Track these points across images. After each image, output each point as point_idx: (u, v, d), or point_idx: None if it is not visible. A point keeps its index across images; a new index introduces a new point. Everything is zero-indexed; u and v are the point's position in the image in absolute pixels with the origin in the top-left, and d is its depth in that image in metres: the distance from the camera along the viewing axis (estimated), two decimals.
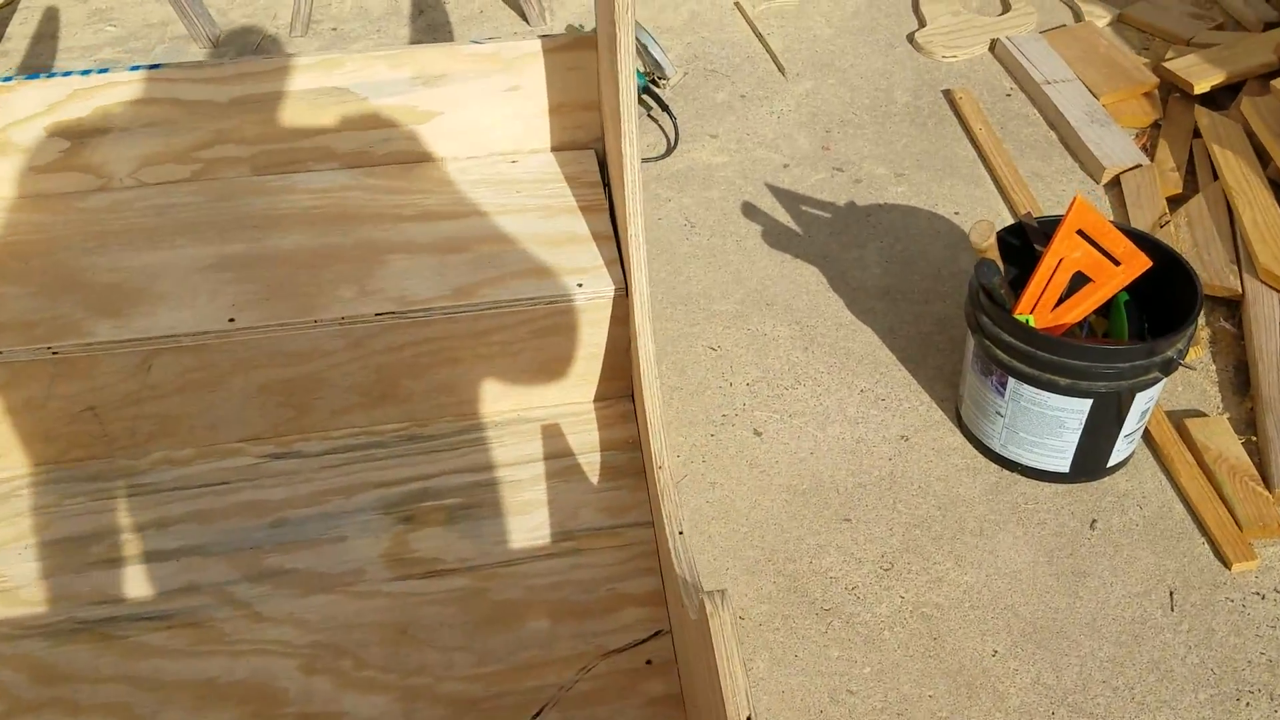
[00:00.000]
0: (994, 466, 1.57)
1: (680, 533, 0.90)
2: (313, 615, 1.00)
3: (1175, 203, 1.94)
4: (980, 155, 2.12)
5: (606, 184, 1.28)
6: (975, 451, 1.57)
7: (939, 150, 2.18)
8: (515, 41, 1.25)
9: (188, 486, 1.12)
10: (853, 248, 1.84)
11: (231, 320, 1.09)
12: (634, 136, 1.00)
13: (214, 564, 1.05)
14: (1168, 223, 1.87)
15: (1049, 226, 1.46)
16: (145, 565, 1.04)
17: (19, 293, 1.12)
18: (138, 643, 0.98)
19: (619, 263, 1.16)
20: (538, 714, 0.92)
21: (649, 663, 0.95)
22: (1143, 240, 1.36)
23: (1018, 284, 1.39)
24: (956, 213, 2.10)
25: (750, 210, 2.00)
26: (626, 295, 1.13)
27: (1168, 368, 1.32)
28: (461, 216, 1.23)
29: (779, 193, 2.03)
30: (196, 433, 1.15)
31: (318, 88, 1.24)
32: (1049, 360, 1.36)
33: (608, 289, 1.13)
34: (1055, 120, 2.17)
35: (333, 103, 1.25)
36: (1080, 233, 1.29)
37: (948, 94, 2.34)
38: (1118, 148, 2.02)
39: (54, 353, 1.06)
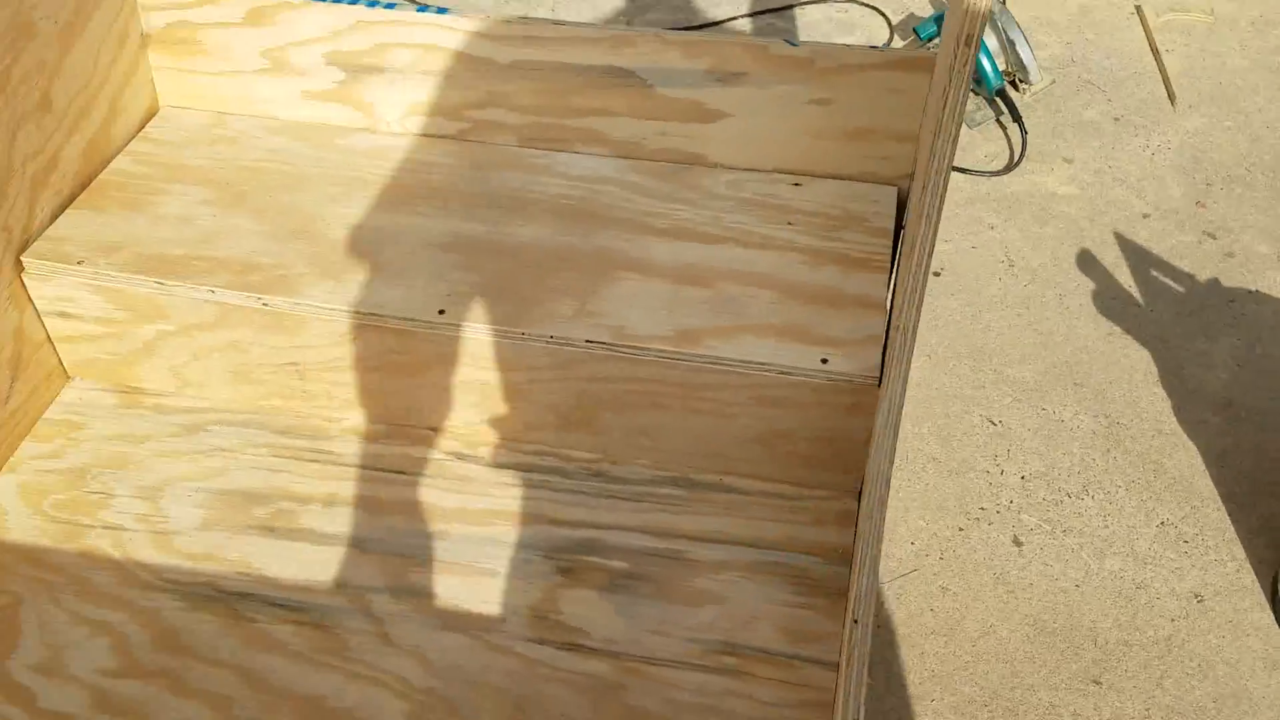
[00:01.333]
0: None
1: None
2: (439, 657, 0.91)
3: None
4: None
5: (898, 235, 1.07)
6: None
7: None
8: (835, 48, 1.05)
9: (369, 467, 1.06)
10: (1200, 337, 1.49)
11: (441, 313, 1.00)
12: (940, 189, 0.79)
13: (365, 563, 0.98)
14: None
15: None
16: (299, 544, 0.99)
17: (252, 229, 1.08)
18: (263, 631, 0.93)
19: (881, 343, 0.95)
20: None
21: None
22: None
23: None
24: None
25: (1087, 261, 1.67)
26: (879, 386, 0.93)
27: None
28: (716, 241, 1.07)
29: (1129, 247, 1.68)
30: (391, 411, 1.09)
31: (602, 65, 1.11)
32: None
33: (857, 374, 0.93)
34: None
35: (614, 83, 1.12)
36: None
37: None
38: None
39: (264, 304, 1.01)
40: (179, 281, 1.02)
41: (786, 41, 1.08)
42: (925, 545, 1.36)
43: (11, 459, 1.06)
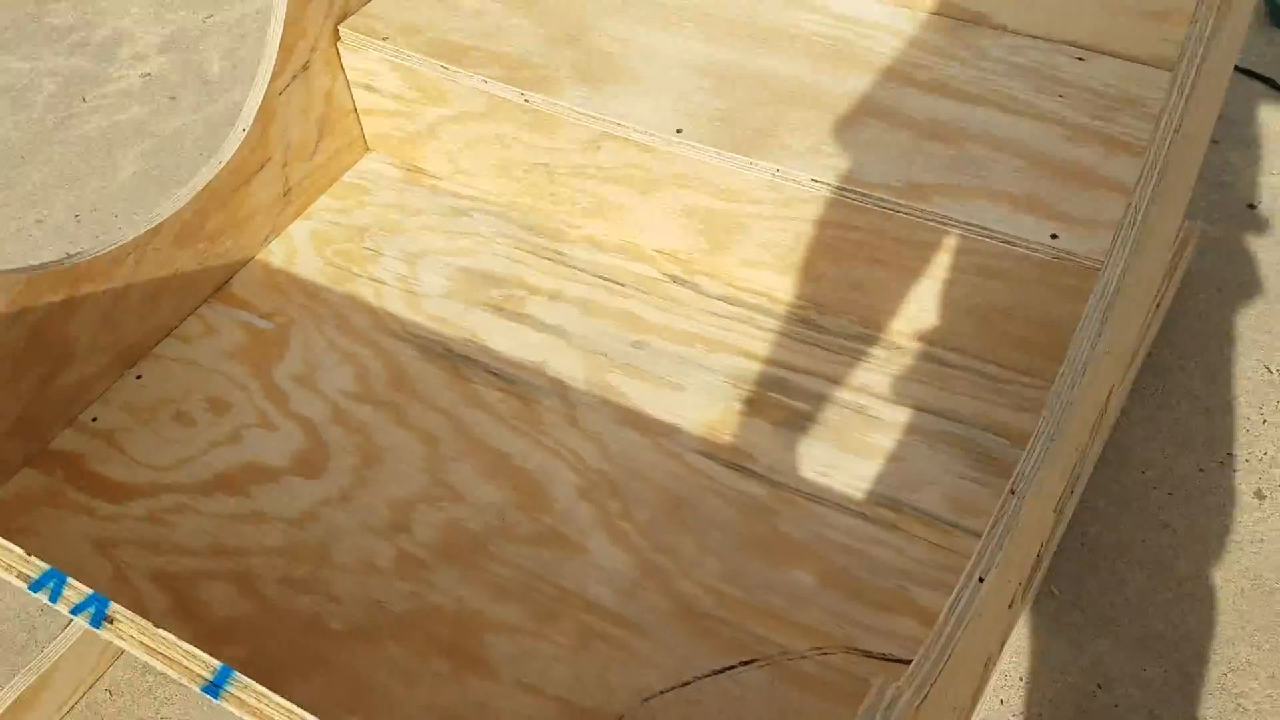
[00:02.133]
0: None
1: (980, 580, 0.70)
2: (615, 446, 0.98)
3: None
4: None
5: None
6: None
7: None
8: None
9: (592, 273, 1.13)
10: None
11: (679, 131, 1.03)
12: (1197, 58, 0.72)
13: (570, 354, 1.06)
14: None
15: None
16: (521, 326, 1.09)
17: (530, 30, 1.16)
18: (477, 391, 1.04)
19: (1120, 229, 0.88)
20: (747, 662, 0.83)
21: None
22: None
23: None
24: None
25: None
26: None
27: None
28: (975, 101, 1.02)
29: None
30: (624, 226, 1.15)
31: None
32: None
33: (1085, 255, 0.87)
34: None
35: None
36: None
37: None
38: None
39: (526, 100, 1.09)
40: (460, 69, 1.12)
41: None
42: (1157, 477, 1.27)
43: (310, 209, 1.23)
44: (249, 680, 0.58)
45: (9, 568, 0.64)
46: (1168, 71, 1.02)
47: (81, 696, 1.18)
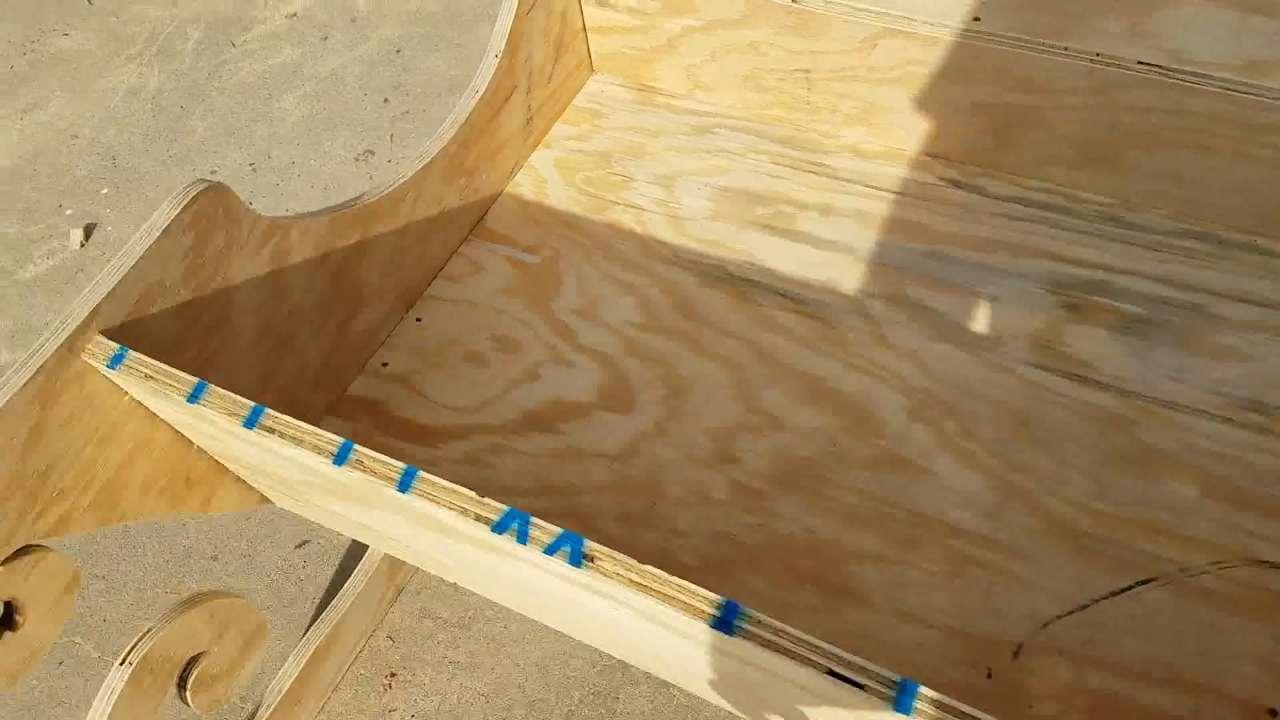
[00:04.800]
0: None
1: None
2: (935, 363, 0.93)
3: None
4: None
5: None
6: None
7: None
8: None
9: (862, 183, 1.07)
10: None
11: (977, 20, 0.96)
12: None
13: (860, 270, 1.01)
14: None
15: None
16: (798, 244, 1.04)
17: None
18: (768, 314, 0.99)
19: None
20: (1145, 581, 0.79)
21: None
22: None
23: None
24: None
25: None
26: None
27: None
28: None
29: None
30: (891, 131, 1.08)
31: None
32: None
33: None
34: None
35: None
36: None
37: None
38: None
39: (795, 1, 1.03)
40: None
41: None
42: None
43: (547, 137, 1.18)
44: (760, 614, 0.55)
45: (463, 511, 0.61)
46: None
47: (364, 644, 1.18)
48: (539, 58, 1.12)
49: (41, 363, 0.65)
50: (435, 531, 0.68)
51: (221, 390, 0.65)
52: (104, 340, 0.67)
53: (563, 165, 1.15)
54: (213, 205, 0.74)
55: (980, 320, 0.96)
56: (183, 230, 0.72)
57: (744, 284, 1.02)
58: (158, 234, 0.70)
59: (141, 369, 0.66)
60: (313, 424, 0.93)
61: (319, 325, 0.92)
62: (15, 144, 1.77)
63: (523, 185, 1.14)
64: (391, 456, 0.92)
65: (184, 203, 0.71)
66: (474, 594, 1.26)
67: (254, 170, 1.67)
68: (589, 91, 1.22)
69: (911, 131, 1.07)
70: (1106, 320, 0.94)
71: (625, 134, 1.17)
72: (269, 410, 0.64)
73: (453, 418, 0.96)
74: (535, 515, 0.88)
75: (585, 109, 1.20)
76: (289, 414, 0.65)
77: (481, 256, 1.08)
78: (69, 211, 1.66)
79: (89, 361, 0.67)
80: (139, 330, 0.71)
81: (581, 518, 0.88)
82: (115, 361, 0.66)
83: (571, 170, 1.14)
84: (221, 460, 0.83)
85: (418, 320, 1.03)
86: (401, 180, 0.97)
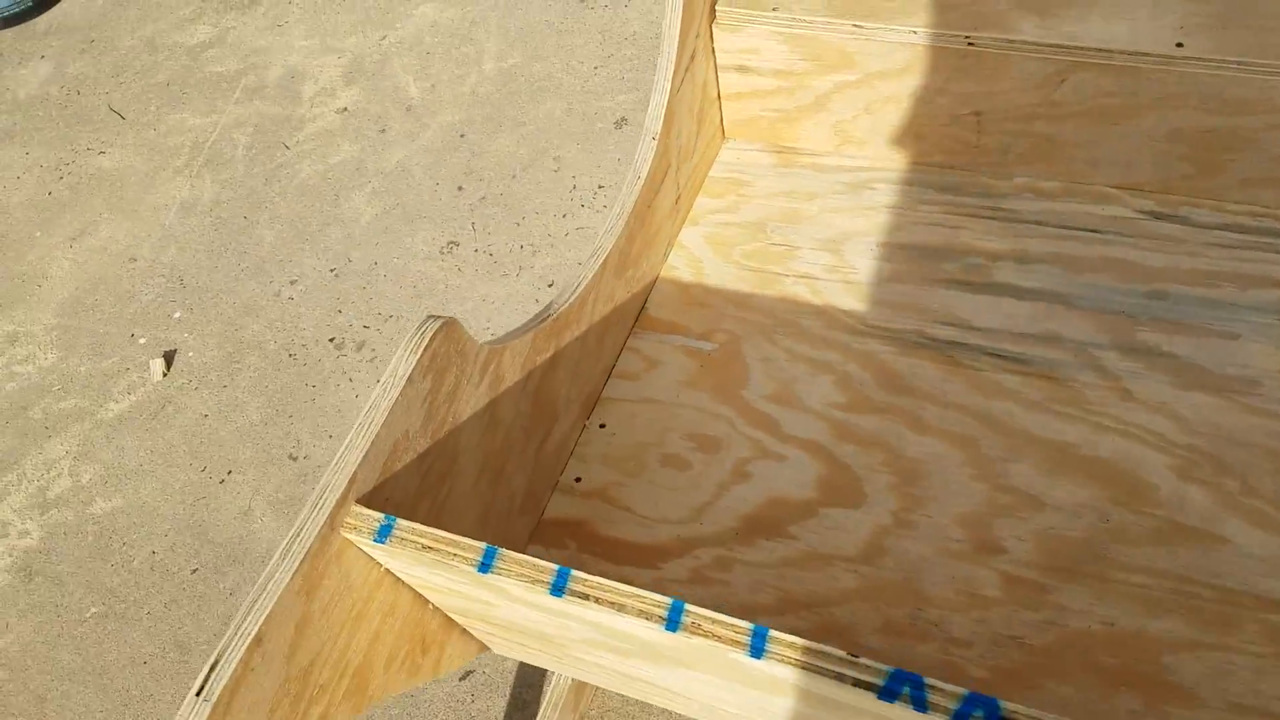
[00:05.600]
0: None
1: None
2: (1191, 414, 0.85)
3: None
4: None
5: None
6: None
7: None
8: None
9: (1052, 224, 1.00)
10: None
11: (1179, 45, 0.89)
12: None
13: (1078, 319, 0.93)
14: None
15: None
16: (1000, 298, 0.96)
17: None
18: (989, 378, 0.91)
19: None
20: None
21: None
22: None
23: None
24: None
25: None
26: None
27: None
28: None
29: None
30: (1074, 166, 1.01)
31: None
32: None
33: None
34: None
35: None
36: None
37: None
38: None
39: (970, 43, 0.96)
40: (879, 23, 0.99)
41: None
42: None
43: (692, 213, 1.10)
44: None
45: (838, 677, 0.52)
46: None
47: None
48: (686, 133, 1.05)
49: (306, 548, 0.56)
50: (761, 689, 0.59)
51: (514, 555, 0.56)
52: (365, 511, 0.58)
53: (715, 241, 1.08)
54: (446, 343, 0.66)
55: (1226, 362, 0.88)
56: (422, 374, 0.64)
57: (950, 347, 0.94)
58: (402, 383, 0.61)
59: (417, 539, 0.57)
60: (519, 553, 0.84)
61: (523, 449, 0.84)
62: (70, 274, 1.69)
63: (677, 267, 1.06)
64: (610, 579, 0.83)
65: (423, 345, 0.63)
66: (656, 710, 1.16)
67: (336, 276, 1.59)
68: (724, 160, 1.15)
69: (1097, 165, 1.00)
70: None
71: (775, 200, 1.10)
72: (575, 573, 0.55)
73: (666, 531, 0.87)
74: (784, 632, 0.79)
75: (725, 179, 1.13)
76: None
77: (653, 349, 1.00)
78: (142, 340, 1.58)
79: (348, 537, 0.58)
80: (386, 492, 0.62)
81: (841, 633, 0.79)
82: (383, 534, 0.57)
83: (726, 245, 1.07)
84: (453, 615, 0.74)
85: (601, 426, 0.95)
86: (583, 283, 0.89)
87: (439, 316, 0.67)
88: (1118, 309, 0.93)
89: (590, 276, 0.90)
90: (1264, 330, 0.89)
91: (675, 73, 0.98)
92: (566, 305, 0.86)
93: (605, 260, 0.92)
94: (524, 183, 1.67)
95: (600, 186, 1.65)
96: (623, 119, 1.74)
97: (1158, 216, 0.98)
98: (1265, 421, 0.84)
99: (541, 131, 1.75)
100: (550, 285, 1.54)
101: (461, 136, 1.77)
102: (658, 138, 0.97)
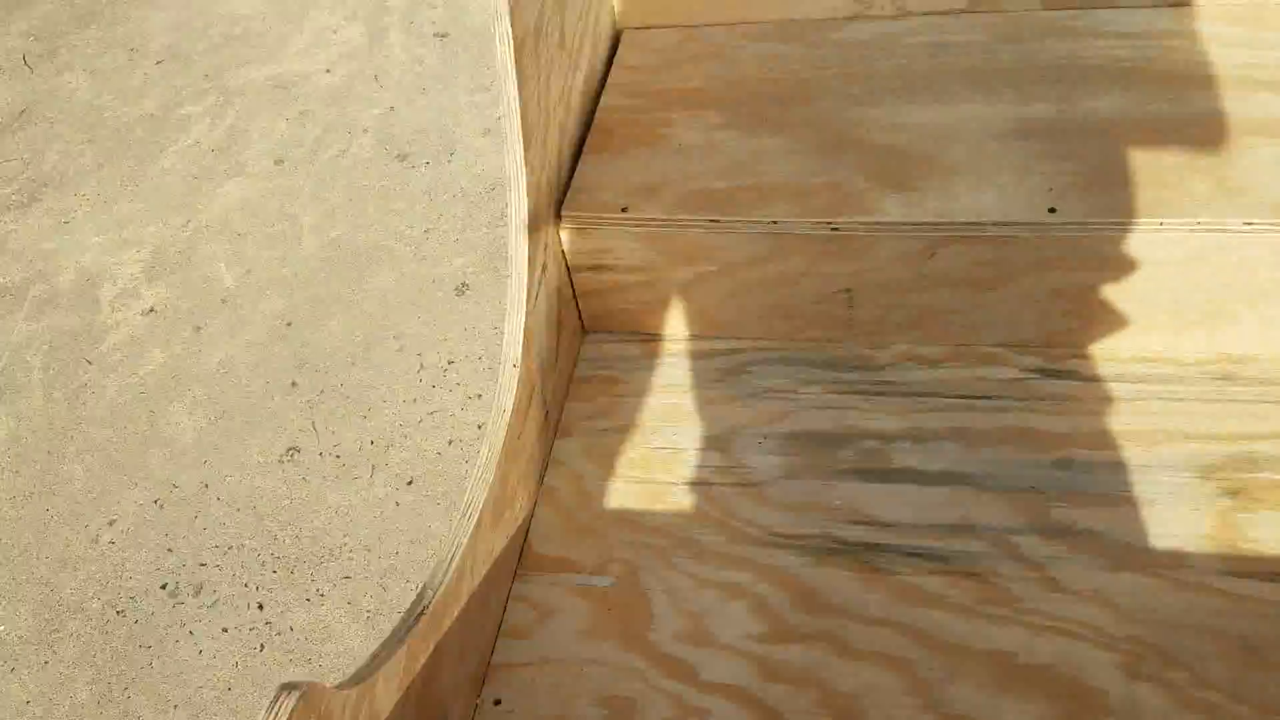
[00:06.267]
0: None
1: None
2: (1125, 599, 0.80)
3: None
4: None
5: None
6: None
7: None
8: None
9: (941, 394, 0.95)
10: None
11: (1053, 211, 0.87)
12: None
13: (988, 502, 0.87)
14: None
15: None
16: (904, 485, 0.90)
17: (785, 147, 0.98)
18: (911, 584, 0.84)
19: None
20: None
21: None
22: None
23: None
24: None
25: None
26: None
27: None
28: None
29: None
30: (953, 330, 0.97)
31: None
32: None
33: None
34: None
35: None
36: None
37: None
38: None
39: (834, 229, 0.91)
40: (735, 216, 0.93)
41: None
42: None
43: (563, 422, 1.01)
44: None
45: None
46: None
47: None
48: (546, 346, 0.95)
49: None
50: None
51: None
52: None
53: (594, 453, 0.98)
54: (308, 716, 0.54)
55: (1148, 533, 0.84)
56: None
57: (865, 551, 0.87)
58: None
59: None
60: None
61: None
62: None
63: (557, 489, 0.96)
64: None
65: None
66: None
67: (161, 508, 1.41)
68: (589, 357, 1.06)
69: (978, 327, 0.97)
70: (1276, 499, 0.83)
71: (650, 396, 1.01)
72: None
73: None
74: None
75: (593, 378, 1.04)
76: None
77: (543, 594, 0.89)
78: None
79: None
80: None
81: None
82: None
83: (607, 456, 0.98)
84: None
85: (496, 704, 0.83)
86: (457, 552, 0.77)
87: (294, 686, 0.54)
88: (1026, 484, 0.88)
89: (464, 542, 0.78)
90: (1179, 491, 0.85)
91: (528, 295, 0.89)
92: (441, 590, 0.74)
93: (480, 519, 0.81)
94: (365, 369, 1.54)
95: (450, 362, 1.54)
96: (463, 284, 1.64)
97: (1047, 374, 0.95)
98: (1201, 599, 0.79)
99: (376, 309, 1.63)
100: (410, 483, 1.41)
101: (288, 325, 1.62)
102: (519, 364, 0.88)
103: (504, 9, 0.79)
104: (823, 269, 0.95)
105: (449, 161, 1.88)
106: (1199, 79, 0.93)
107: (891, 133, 0.96)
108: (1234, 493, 0.84)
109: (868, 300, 0.97)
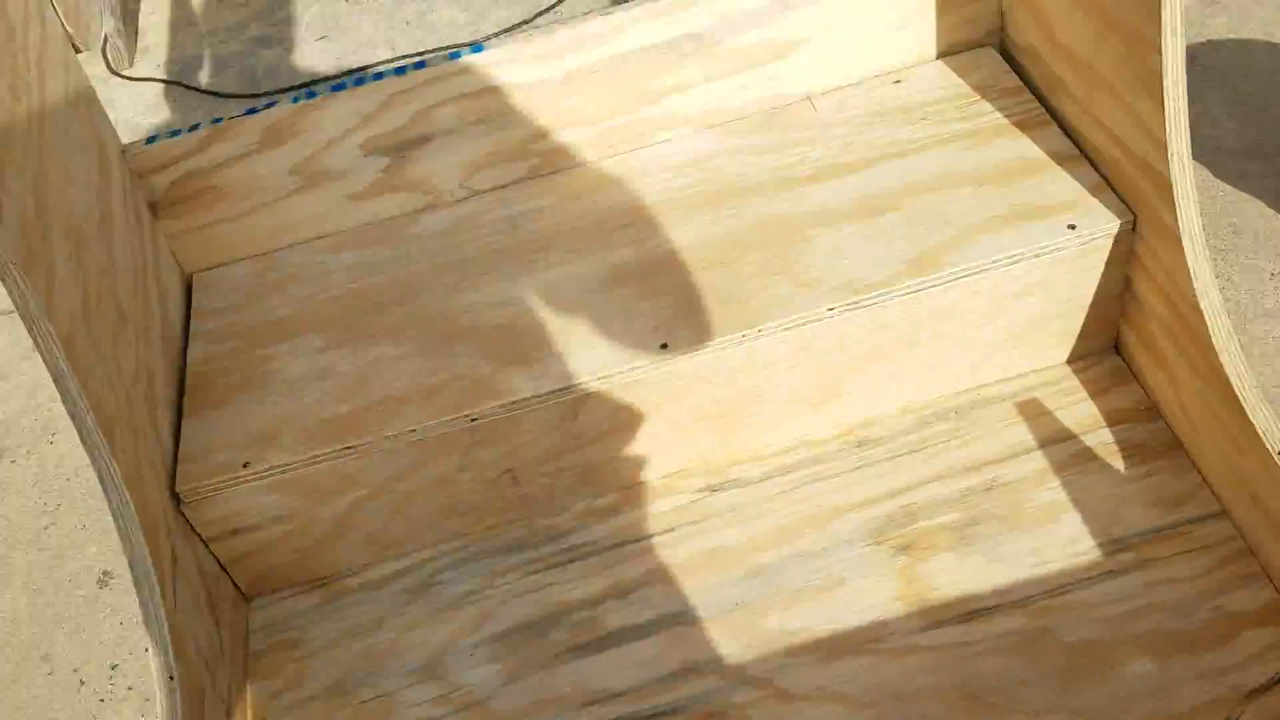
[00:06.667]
0: None
1: None
2: (850, 686, 0.83)
3: None
4: None
5: (1031, 86, 1.03)
6: None
7: None
8: None
9: (629, 540, 0.96)
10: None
11: (664, 346, 0.90)
12: (1179, 26, 0.76)
13: (704, 634, 0.88)
14: None
15: None
16: (623, 648, 0.89)
17: (396, 353, 0.95)
18: None
19: (1106, 188, 0.92)
20: None
21: None
22: None
23: None
24: None
25: None
26: (1135, 229, 0.89)
27: None
28: (870, 165, 1.01)
29: None
30: (619, 475, 0.98)
31: (661, 41, 1.02)
32: None
33: (1109, 224, 0.89)
34: None
35: (676, 56, 1.03)
36: None
37: None
38: None
39: (473, 420, 0.89)
40: (368, 437, 0.89)
41: None
42: None
43: (244, 703, 0.90)
44: None
45: None
46: (976, 50, 1.08)
47: None
48: (205, 636, 0.85)
49: None
50: None
51: None
52: None
53: None
54: None
55: (849, 613, 0.88)
56: None
57: None
58: None
59: None
60: None
61: None
62: None
63: None
64: None
65: None
66: None
67: None
68: (260, 626, 0.96)
69: (642, 463, 0.98)
70: (944, 542, 0.90)
71: (340, 646, 0.94)
72: None
73: None
74: None
75: (271, 647, 0.95)
76: None
77: None
78: None
79: None
80: None
81: None
82: None
83: None
84: None
85: None
86: None
87: None
88: (731, 604, 0.90)
89: None
90: (860, 563, 0.90)
91: (164, 595, 0.79)
92: None
93: None
94: (15, 699, 1.32)
95: (114, 666, 1.35)
96: (105, 572, 1.45)
97: (715, 490, 0.98)
98: (914, 661, 0.84)
99: (10, 632, 1.41)
100: None
101: None
102: (175, 674, 0.77)
103: (39, 309, 0.71)
104: (478, 459, 0.93)
105: (50, 442, 1.68)
106: (751, 188, 1.01)
107: (497, 311, 0.96)
108: (905, 548, 0.91)
109: (531, 474, 0.96)
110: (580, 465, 0.96)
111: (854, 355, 0.94)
